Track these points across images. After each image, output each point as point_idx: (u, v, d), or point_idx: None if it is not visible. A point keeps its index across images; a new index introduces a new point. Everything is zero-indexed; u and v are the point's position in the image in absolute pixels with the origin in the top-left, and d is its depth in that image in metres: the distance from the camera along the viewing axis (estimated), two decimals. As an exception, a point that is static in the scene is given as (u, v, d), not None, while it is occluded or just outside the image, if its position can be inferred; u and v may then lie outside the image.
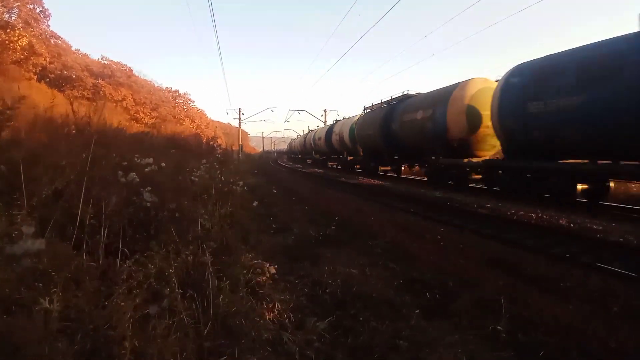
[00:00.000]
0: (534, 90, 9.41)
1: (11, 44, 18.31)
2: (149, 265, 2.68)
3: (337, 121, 28.62)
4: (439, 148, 13.50)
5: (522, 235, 6.60)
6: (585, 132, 8.16)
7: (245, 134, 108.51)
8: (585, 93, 8.01)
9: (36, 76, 22.18)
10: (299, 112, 48.94)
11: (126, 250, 2.96)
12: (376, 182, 16.89)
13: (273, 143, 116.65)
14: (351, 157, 24.46)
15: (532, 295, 3.79)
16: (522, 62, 10.46)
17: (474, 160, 12.41)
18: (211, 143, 16.58)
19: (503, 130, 10.66)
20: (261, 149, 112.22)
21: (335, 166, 30.24)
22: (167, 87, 45.18)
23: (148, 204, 3.38)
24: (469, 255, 5.17)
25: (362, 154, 22.18)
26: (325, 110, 45.66)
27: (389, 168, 19.47)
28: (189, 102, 48.10)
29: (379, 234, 6.42)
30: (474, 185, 13.30)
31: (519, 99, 9.83)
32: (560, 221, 7.52)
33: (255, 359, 2.44)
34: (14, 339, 1.72)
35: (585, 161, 8.58)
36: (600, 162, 8.23)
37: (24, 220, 2.45)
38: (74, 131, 6.62)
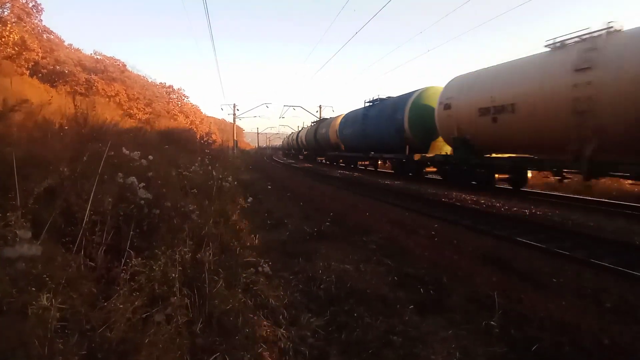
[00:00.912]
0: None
1: (3, 39, 18.05)
2: (154, 267, 2.67)
3: (324, 119, 31.74)
4: (400, 146, 15.88)
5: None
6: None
7: (240, 129, 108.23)
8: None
9: (28, 71, 21.88)
10: (294, 107, 48.63)
11: (132, 251, 2.94)
12: (355, 174, 19.70)
13: (268, 139, 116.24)
14: (336, 153, 27.03)
15: (446, 247, 3.83)
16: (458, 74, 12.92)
17: (428, 155, 14.66)
18: (205, 139, 16.51)
19: (442, 130, 13.19)
20: (256, 145, 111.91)
21: (323, 161, 32.96)
22: (161, 83, 44.80)
23: (142, 201, 3.37)
24: (420, 223, 5.24)
25: (344, 150, 24.63)
26: (320, 106, 45.53)
27: (367, 163, 22.24)
28: (183, 97, 47.77)
29: (372, 227, 6.45)
30: (432, 176, 15.89)
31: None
32: (481, 201, 9.25)
33: (249, 356, 2.44)
34: (9, 339, 1.72)
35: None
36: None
37: (18, 222, 2.43)
38: (66, 127, 6.58)
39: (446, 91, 12.83)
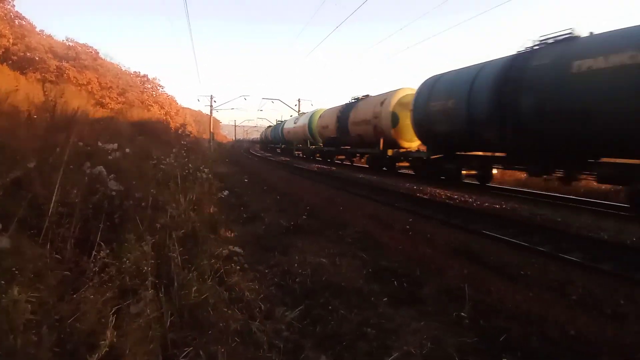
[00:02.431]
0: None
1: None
2: (124, 259, 2.61)
3: (302, 114, 32.14)
4: (375, 141, 16.36)
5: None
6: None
7: (217, 122, 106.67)
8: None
9: (-2, 58, 20.92)
10: (273, 100, 48.21)
11: (102, 243, 2.86)
12: (333, 168, 19.42)
13: (245, 132, 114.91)
14: (313, 147, 27.63)
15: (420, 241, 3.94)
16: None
17: (401, 151, 15.48)
18: (180, 130, 16.21)
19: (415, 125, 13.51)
20: (233, 138, 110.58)
21: (300, 155, 33.03)
22: (135, 72, 43.43)
23: (113, 193, 3.28)
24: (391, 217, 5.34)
25: (322, 144, 25.23)
26: (299, 100, 45.43)
27: (343, 157, 22.57)
28: (158, 87, 46.52)
29: (349, 221, 6.50)
30: (405, 171, 15.88)
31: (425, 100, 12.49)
32: (454, 195, 9.31)
33: (223, 350, 2.43)
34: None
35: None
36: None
37: None
38: (35, 116, 6.34)
39: (419, 93, 13.12)
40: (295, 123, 32.05)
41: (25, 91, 8.75)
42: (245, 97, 46.72)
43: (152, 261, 2.76)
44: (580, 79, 7.50)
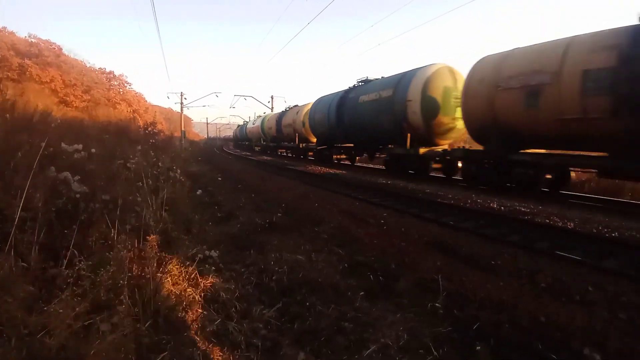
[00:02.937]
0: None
1: None
2: (100, 271, 2.51)
3: (289, 107, 27.81)
4: (399, 136, 12.74)
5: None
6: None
7: (188, 119, 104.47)
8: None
9: (-43, 57, 19.77)
10: (245, 97, 47.65)
11: (75, 251, 2.75)
12: (332, 170, 15.79)
13: (218, 129, 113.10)
14: (303, 145, 24.15)
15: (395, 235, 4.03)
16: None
17: (310, 145, 21.50)
18: (149, 129, 15.80)
19: (310, 128, 20.34)
20: (205, 136, 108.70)
21: (285, 153, 29.84)
22: (100, 68, 41.94)
23: (77, 195, 3.15)
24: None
25: (315, 141, 21.78)
26: (272, 97, 45.01)
27: (344, 156, 19.34)
28: (125, 84, 45.05)
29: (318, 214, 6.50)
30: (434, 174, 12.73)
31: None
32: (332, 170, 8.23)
33: (199, 353, 2.38)
34: None
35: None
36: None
37: None
38: (-8, 116, 6.03)
39: (312, 108, 19.34)
40: (253, 124, 38.97)
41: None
42: (217, 94, 45.93)
43: (130, 274, 2.67)
44: (362, 106, 14.86)
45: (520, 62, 8.73)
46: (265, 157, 28.09)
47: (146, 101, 55.06)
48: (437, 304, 3.33)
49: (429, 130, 11.95)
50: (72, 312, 2.09)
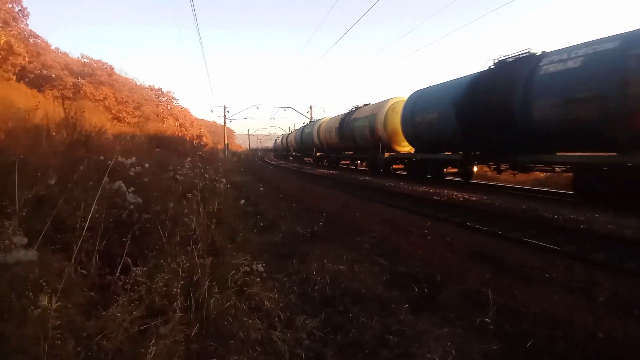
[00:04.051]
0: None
1: (-10, 45, 17.81)
2: (156, 279, 2.64)
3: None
4: (374, 146, 18.74)
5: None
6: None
7: (231, 131, 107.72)
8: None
9: (15, 76, 21.58)
10: (285, 108, 48.51)
11: (129, 259, 2.91)
12: (334, 172, 21.39)
13: (259, 140, 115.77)
14: (319, 153, 29.90)
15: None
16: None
17: (394, 154, 17.87)
18: (196, 142, 16.42)
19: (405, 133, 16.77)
20: (247, 147, 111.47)
21: (309, 161, 34.68)
22: (149, 85, 44.31)
23: (131, 206, 3.33)
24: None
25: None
26: (311, 107, 45.55)
27: (348, 162, 24.52)
28: (172, 100, 47.32)
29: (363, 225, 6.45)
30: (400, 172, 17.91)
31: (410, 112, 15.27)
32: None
33: (245, 360, 2.43)
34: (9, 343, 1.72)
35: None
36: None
37: (13, 229, 2.40)
38: (54, 133, 6.49)
39: (408, 103, 16.13)
40: (302, 132, 34.90)
41: (44, 108, 8.99)
42: (258, 106, 46.84)
43: (183, 282, 2.78)
44: (355, 123, 21.00)
45: (425, 100, 14.49)
46: (295, 165, 30.09)
47: (192, 115, 57.36)
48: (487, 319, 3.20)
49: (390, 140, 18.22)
50: (128, 317, 2.20)
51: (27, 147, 5.04)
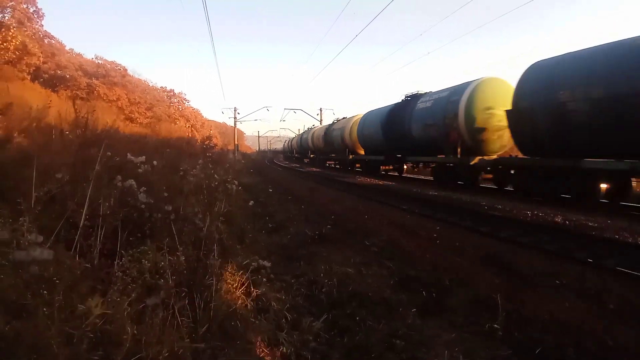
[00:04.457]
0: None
1: (4, 44, 18.11)
2: (143, 260, 2.67)
3: (337, 120, 28.13)
4: (449, 146, 13.08)
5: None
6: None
7: (241, 133, 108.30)
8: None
9: (30, 76, 21.97)
10: (295, 110, 48.72)
11: (123, 252, 2.93)
12: (380, 182, 16.50)
13: (269, 142, 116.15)
14: (352, 156, 24.37)
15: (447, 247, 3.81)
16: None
17: (487, 158, 12.08)
18: (206, 142, 16.54)
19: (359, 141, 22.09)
20: (257, 149, 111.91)
21: (333, 165, 30.33)
22: (162, 87, 44.94)
23: (142, 205, 3.36)
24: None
25: (363, 153, 22.61)
26: (321, 109, 45.67)
27: (332, 162, 24.14)
28: (183, 101, 47.88)
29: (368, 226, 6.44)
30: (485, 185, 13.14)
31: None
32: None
33: (251, 360, 2.42)
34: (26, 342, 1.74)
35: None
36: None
37: (28, 226, 2.44)
38: (67, 132, 6.58)
39: (360, 120, 20.33)
40: (327, 131, 29.35)
41: (57, 108, 9.12)
42: (268, 108, 47.23)
43: (181, 271, 2.80)
44: (334, 132, 26.91)
45: (368, 119, 20.87)
46: (313, 169, 29.01)
47: (202, 116, 57.89)
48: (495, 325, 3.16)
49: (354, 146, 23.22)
50: (127, 299, 2.24)
51: (40, 145, 5.12)
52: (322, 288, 3.96)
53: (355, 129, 22.82)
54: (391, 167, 20.01)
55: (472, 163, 11.89)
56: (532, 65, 10.17)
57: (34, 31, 24.25)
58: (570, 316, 3.26)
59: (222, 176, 7.21)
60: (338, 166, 28.88)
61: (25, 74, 20.94)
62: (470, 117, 12.34)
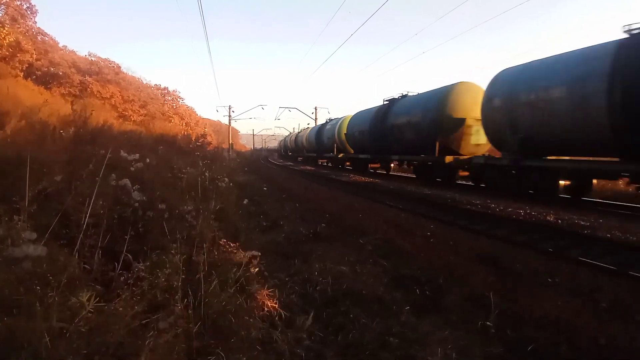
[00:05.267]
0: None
1: (-2, 41, 17.94)
2: (159, 274, 2.66)
3: (329, 120, 30.85)
4: (429, 145, 14.17)
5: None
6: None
7: (236, 131, 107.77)
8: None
9: (23, 73, 21.73)
10: (290, 109, 48.59)
11: (129, 255, 2.93)
12: (368, 179, 18.04)
13: (264, 141, 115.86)
14: (342, 155, 25.86)
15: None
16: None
17: (462, 158, 13.45)
18: (200, 141, 16.48)
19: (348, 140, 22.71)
20: (251, 147, 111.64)
21: (325, 164, 31.77)
22: (156, 84, 44.57)
23: (136, 203, 3.35)
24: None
25: (352, 152, 24.04)
26: (315, 108, 45.67)
27: (378, 165, 21.40)
28: (178, 99, 47.57)
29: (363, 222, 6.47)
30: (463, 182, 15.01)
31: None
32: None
33: (245, 359, 2.43)
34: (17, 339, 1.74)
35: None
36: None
37: (23, 224, 2.43)
38: (61, 131, 6.54)
39: (350, 120, 20.98)
40: (320, 130, 30.99)
41: (51, 105, 9.07)
42: (263, 107, 46.86)
43: (183, 277, 2.79)
44: (325, 133, 28.91)
45: (357, 119, 21.88)
46: (307, 167, 29.65)
47: (197, 114, 57.61)
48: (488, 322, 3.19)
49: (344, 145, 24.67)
50: (131, 311, 2.22)
51: (33, 143, 5.08)
52: (317, 286, 3.97)
53: (344, 129, 24.54)
54: (379, 165, 21.11)
55: (447, 162, 13.18)
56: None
57: (27, 28, 24.01)
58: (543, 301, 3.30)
59: (217, 174, 7.22)
60: (330, 164, 30.37)
61: (18, 71, 20.71)
62: (445, 118, 13.66)
